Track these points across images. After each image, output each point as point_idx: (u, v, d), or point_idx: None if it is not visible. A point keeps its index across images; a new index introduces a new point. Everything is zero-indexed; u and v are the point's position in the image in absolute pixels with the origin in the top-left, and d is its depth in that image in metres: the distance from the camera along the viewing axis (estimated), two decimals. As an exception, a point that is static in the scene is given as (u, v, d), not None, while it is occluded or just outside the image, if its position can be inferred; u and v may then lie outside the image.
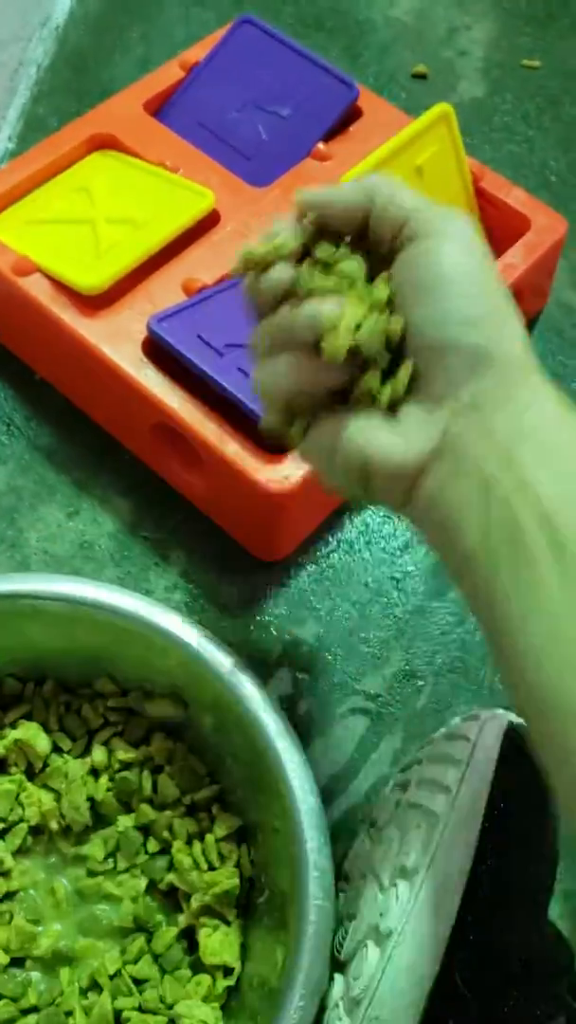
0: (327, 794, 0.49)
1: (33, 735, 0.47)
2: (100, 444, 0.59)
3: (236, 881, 0.44)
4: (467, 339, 0.35)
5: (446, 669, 0.54)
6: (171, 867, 0.45)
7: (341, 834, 0.48)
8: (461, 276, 0.36)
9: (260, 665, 0.53)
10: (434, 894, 0.38)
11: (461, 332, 0.35)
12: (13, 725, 0.47)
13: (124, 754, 0.47)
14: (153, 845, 0.46)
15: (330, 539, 0.57)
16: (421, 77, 0.76)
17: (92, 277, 0.54)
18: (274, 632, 0.54)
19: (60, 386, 0.60)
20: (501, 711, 0.44)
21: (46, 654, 0.48)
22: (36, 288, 0.55)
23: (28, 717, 0.48)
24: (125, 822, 0.46)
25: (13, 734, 0.46)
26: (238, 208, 0.59)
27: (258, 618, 0.55)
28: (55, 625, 0.46)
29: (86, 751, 0.48)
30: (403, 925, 0.37)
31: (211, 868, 0.45)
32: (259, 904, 0.44)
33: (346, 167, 0.61)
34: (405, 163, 0.58)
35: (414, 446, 0.35)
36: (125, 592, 0.46)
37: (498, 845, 0.39)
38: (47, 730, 0.48)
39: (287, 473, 0.51)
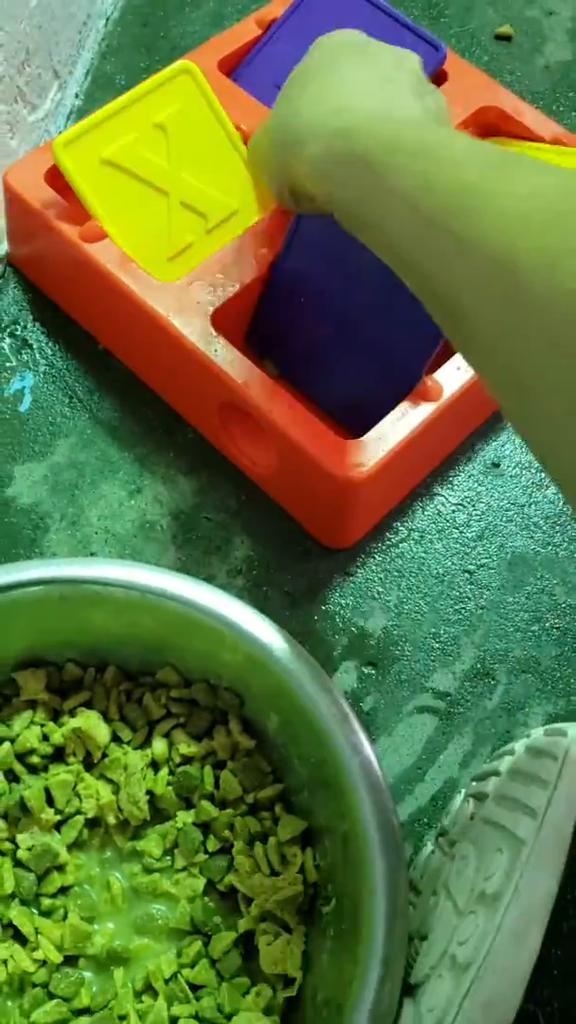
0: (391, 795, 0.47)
1: (93, 724, 0.45)
2: (164, 420, 0.56)
3: (300, 887, 0.42)
4: None
5: (520, 669, 0.52)
6: (231, 868, 0.44)
7: (405, 839, 0.46)
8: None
9: (324, 658, 0.51)
10: (517, 925, 0.36)
11: None
12: (72, 713, 0.46)
13: (186, 747, 0.45)
14: (213, 844, 0.44)
15: (400, 527, 0.55)
16: (505, 39, 0.72)
17: (163, 274, 0.53)
18: (340, 623, 0.52)
19: (125, 358, 0.58)
20: (587, 725, 0.42)
21: (108, 641, 0.46)
22: (104, 255, 0.52)
23: (88, 705, 0.46)
24: (184, 818, 0.45)
25: (72, 723, 0.45)
26: (316, 175, 0.56)
27: (323, 608, 0.52)
28: (119, 612, 0.44)
29: (146, 742, 0.46)
30: (483, 957, 0.35)
31: (274, 872, 0.43)
32: (324, 913, 0.42)
33: (432, 134, 0.58)
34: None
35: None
36: (193, 580, 0.44)
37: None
38: (107, 719, 0.46)
39: (361, 459, 0.49)
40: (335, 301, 0.53)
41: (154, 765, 0.45)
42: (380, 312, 0.51)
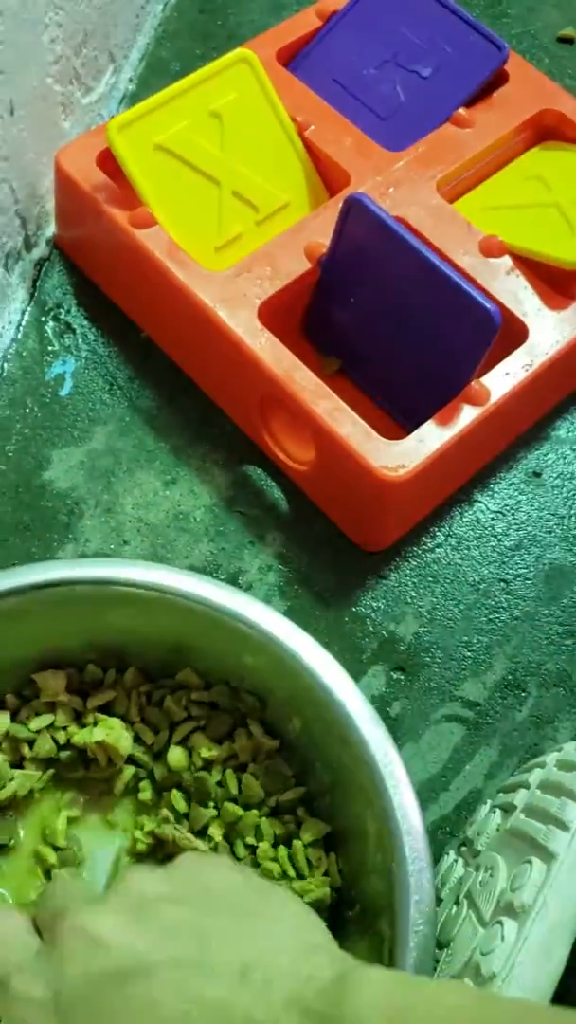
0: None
1: (116, 736, 0.44)
2: (203, 411, 0.56)
3: (328, 890, 0.42)
4: None
5: (551, 682, 0.51)
6: (257, 870, 0.43)
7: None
8: None
9: (353, 660, 0.51)
10: (543, 939, 0.35)
11: None
12: (96, 718, 0.45)
13: (207, 751, 0.44)
14: (240, 849, 0.44)
15: (436, 532, 0.54)
16: (567, 41, 0.71)
17: (211, 264, 0.53)
18: (370, 626, 0.51)
19: (167, 347, 0.57)
20: (622, 741, 0.41)
21: (129, 642, 0.45)
22: (153, 242, 0.52)
23: (110, 706, 0.46)
24: (215, 831, 0.44)
25: (96, 734, 0.44)
26: (369, 171, 0.56)
27: (354, 610, 0.52)
28: (140, 613, 0.43)
29: (167, 746, 0.45)
30: (508, 970, 0.35)
31: (300, 876, 0.42)
32: (349, 917, 0.42)
33: (489, 137, 0.57)
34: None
35: None
36: (216, 582, 0.43)
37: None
38: (128, 721, 0.45)
39: (403, 460, 0.48)
40: (383, 300, 0.52)
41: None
42: (427, 315, 0.51)
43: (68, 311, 0.58)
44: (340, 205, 0.52)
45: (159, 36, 0.68)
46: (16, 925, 0.33)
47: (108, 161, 0.54)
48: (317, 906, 0.41)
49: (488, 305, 0.47)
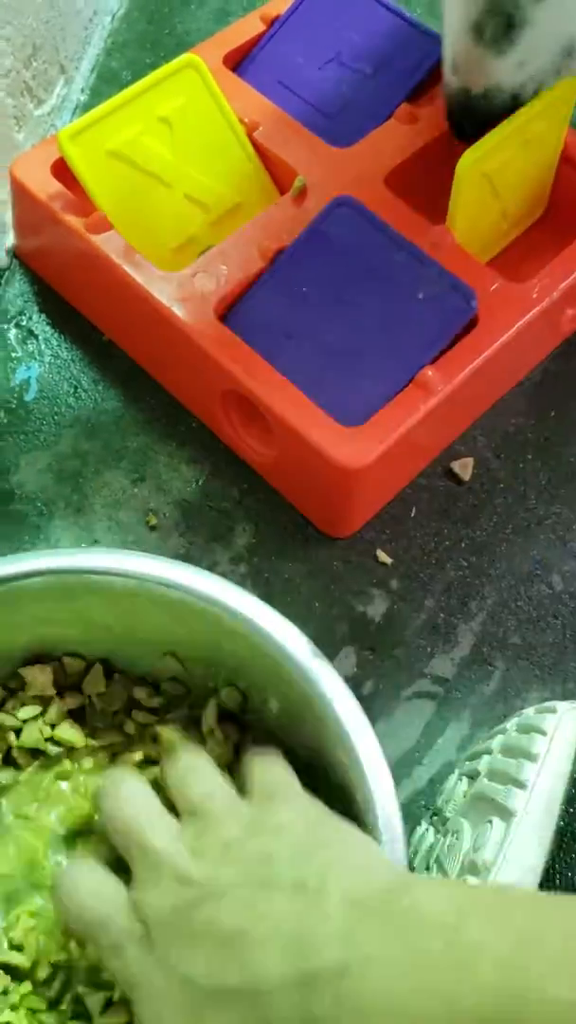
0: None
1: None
2: (167, 410, 0.57)
3: None
4: None
5: (517, 656, 0.53)
6: None
7: (403, 820, 0.46)
8: None
9: (325, 643, 0.52)
10: (506, 894, 0.36)
11: None
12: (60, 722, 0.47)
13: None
14: None
15: (400, 516, 0.55)
16: (509, 36, 0.73)
17: (167, 265, 0.54)
18: (340, 609, 0.53)
19: (128, 348, 0.59)
20: (579, 704, 0.43)
21: (110, 633, 0.46)
22: (109, 246, 0.53)
23: (81, 712, 0.47)
24: None
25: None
26: (318, 169, 0.57)
27: (324, 594, 0.53)
28: (119, 601, 0.44)
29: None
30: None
31: None
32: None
33: (433, 131, 0.59)
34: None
35: None
36: (190, 567, 0.44)
37: (573, 844, 0.38)
38: (110, 726, 0.47)
39: (362, 448, 0.50)
40: (342, 295, 0.53)
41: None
42: (392, 305, 0.52)
43: (30, 318, 0.59)
44: (291, 198, 0.54)
45: (108, 47, 0.69)
46: (103, 877, 0.37)
47: (62, 170, 0.55)
48: None
49: (470, 290, 0.51)
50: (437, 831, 0.44)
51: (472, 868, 0.38)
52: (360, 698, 0.50)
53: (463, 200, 0.53)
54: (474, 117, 0.52)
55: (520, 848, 0.37)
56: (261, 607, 0.44)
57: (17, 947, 0.42)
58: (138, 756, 0.46)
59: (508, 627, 0.53)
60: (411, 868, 0.44)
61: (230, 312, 0.53)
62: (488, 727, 0.51)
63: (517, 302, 0.54)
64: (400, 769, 0.50)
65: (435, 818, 0.46)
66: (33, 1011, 0.42)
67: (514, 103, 0.51)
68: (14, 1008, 0.41)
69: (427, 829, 0.45)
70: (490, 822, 0.39)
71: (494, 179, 0.54)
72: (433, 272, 0.53)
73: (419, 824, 0.47)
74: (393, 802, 0.40)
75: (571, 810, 0.38)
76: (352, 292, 0.53)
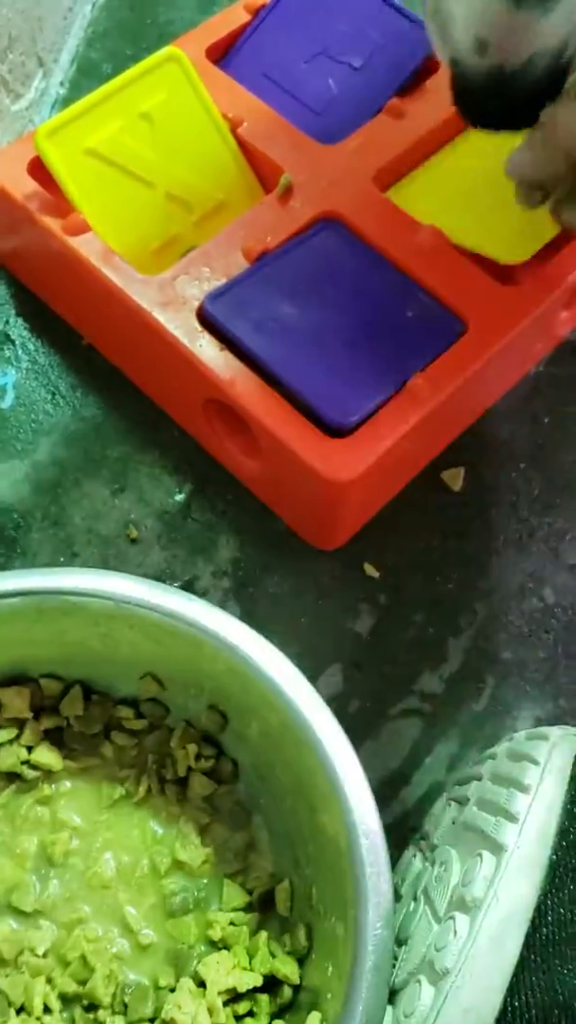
0: (375, 800, 0.46)
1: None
2: (149, 417, 0.55)
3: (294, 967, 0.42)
4: None
5: (508, 672, 0.51)
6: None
7: (391, 843, 0.45)
8: None
9: (310, 659, 0.51)
10: (495, 932, 0.35)
11: None
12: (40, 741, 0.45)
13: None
14: None
15: (388, 528, 0.54)
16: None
17: (148, 268, 0.52)
18: (326, 625, 0.51)
19: (109, 354, 0.57)
20: (573, 730, 0.41)
21: (87, 655, 0.45)
22: (88, 249, 0.52)
23: (58, 734, 0.46)
24: None
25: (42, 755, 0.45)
26: (304, 167, 0.55)
27: (309, 609, 0.52)
28: (96, 623, 0.43)
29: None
30: (461, 965, 0.35)
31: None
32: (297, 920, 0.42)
33: (423, 126, 0.57)
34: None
35: None
36: (169, 590, 0.43)
37: (566, 879, 0.37)
38: (88, 748, 0.45)
39: (350, 460, 0.48)
40: (330, 299, 0.52)
41: None
42: (375, 321, 0.51)
43: (7, 322, 0.57)
44: (277, 196, 0.52)
45: (88, 37, 0.67)
46: None
47: (40, 169, 0.53)
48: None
49: (458, 322, 0.50)
50: (425, 858, 0.43)
51: (461, 904, 0.37)
52: (346, 716, 0.49)
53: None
54: (511, 96, 0.44)
55: (511, 884, 0.36)
56: (244, 631, 0.42)
57: None
58: (118, 792, 0.45)
59: (499, 642, 0.52)
60: (398, 896, 0.43)
61: (211, 299, 0.51)
62: (478, 746, 0.50)
63: (510, 306, 0.53)
64: (387, 789, 0.49)
65: (422, 842, 0.45)
66: None
67: (557, 63, 0.43)
68: None
69: (414, 855, 0.44)
70: (480, 856, 0.37)
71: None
72: (421, 297, 0.52)
73: (407, 848, 0.46)
74: (377, 828, 0.39)
75: (564, 843, 0.37)
76: (340, 298, 0.52)
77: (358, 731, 0.49)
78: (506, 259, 0.54)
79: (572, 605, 0.53)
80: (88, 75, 0.65)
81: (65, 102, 0.64)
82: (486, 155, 0.57)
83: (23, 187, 0.53)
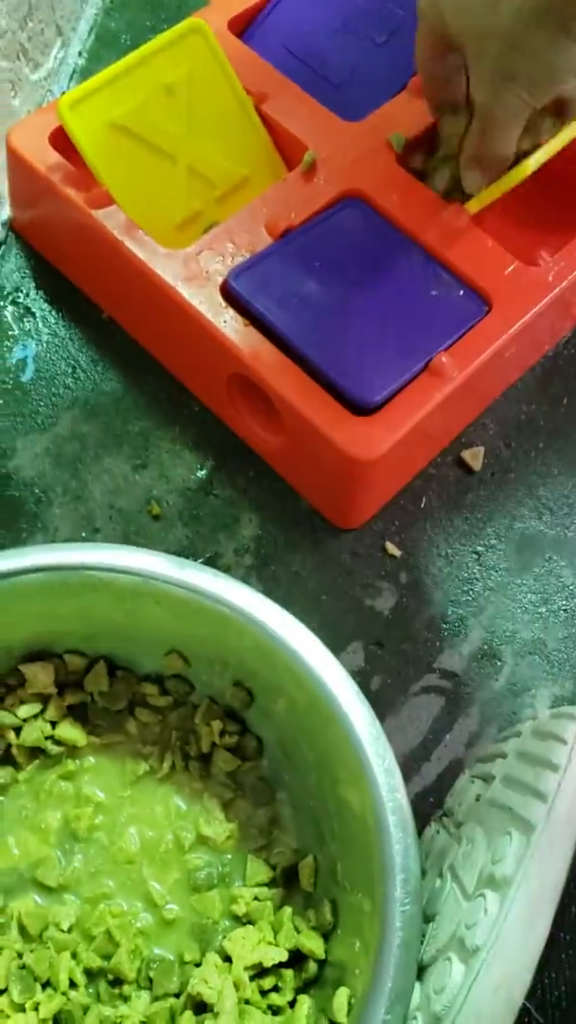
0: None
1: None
2: (170, 392, 0.55)
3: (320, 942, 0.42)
4: None
5: (526, 651, 0.51)
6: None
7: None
8: None
9: (332, 637, 0.50)
10: (526, 910, 0.35)
11: None
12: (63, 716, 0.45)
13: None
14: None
15: (409, 507, 0.54)
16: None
17: (171, 242, 0.52)
18: (347, 603, 0.52)
19: (130, 328, 0.56)
20: (598, 709, 0.41)
21: (112, 629, 0.45)
22: (111, 222, 0.51)
23: (82, 709, 0.46)
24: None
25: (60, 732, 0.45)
26: (328, 143, 0.55)
27: (331, 587, 0.52)
28: (122, 599, 0.43)
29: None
30: (492, 942, 0.35)
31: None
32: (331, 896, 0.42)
33: (448, 102, 0.56)
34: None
35: None
36: (196, 566, 0.43)
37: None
38: (112, 724, 0.46)
39: (373, 437, 0.48)
40: (354, 278, 0.51)
41: None
42: (403, 294, 0.51)
43: (27, 295, 0.57)
44: (300, 173, 0.52)
45: (107, 7, 0.66)
46: None
47: (61, 139, 0.52)
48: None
49: (481, 302, 0.50)
50: (449, 834, 0.43)
51: (491, 882, 0.37)
52: (367, 693, 0.49)
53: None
54: None
55: (540, 862, 0.36)
56: (269, 606, 0.42)
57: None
58: (142, 768, 0.45)
59: (518, 621, 0.52)
60: (423, 872, 0.43)
61: (235, 275, 0.51)
62: (497, 723, 0.50)
63: (532, 286, 0.53)
64: (408, 765, 0.49)
65: (446, 819, 0.45)
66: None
67: None
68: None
69: (437, 831, 0.44)
70: (509, 834, 0.37)
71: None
72: (444, 276, 0.51)
73: (428, 824, 0.46)
74: (405, 804, 0.39)
75: (592, 822, 0.37)
76: (364, 278, 0.51)
77: (379, 708, 0.49)
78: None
79: (592, 586, 0.53)
80: (107, 45, 0.65)
81: (84, 72, 0.63)
82: None
83: (46, 158, 0.53)
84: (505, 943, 0.35)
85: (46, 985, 0.41)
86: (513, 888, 0.36)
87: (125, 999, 0.41)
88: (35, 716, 0.45)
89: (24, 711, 0.45)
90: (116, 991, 0.42)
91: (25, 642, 0.45)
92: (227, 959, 0.42)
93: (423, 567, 0.52)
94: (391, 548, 0.53)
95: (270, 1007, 0.41)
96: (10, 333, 0.56)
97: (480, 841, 0.40)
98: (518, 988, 0.35)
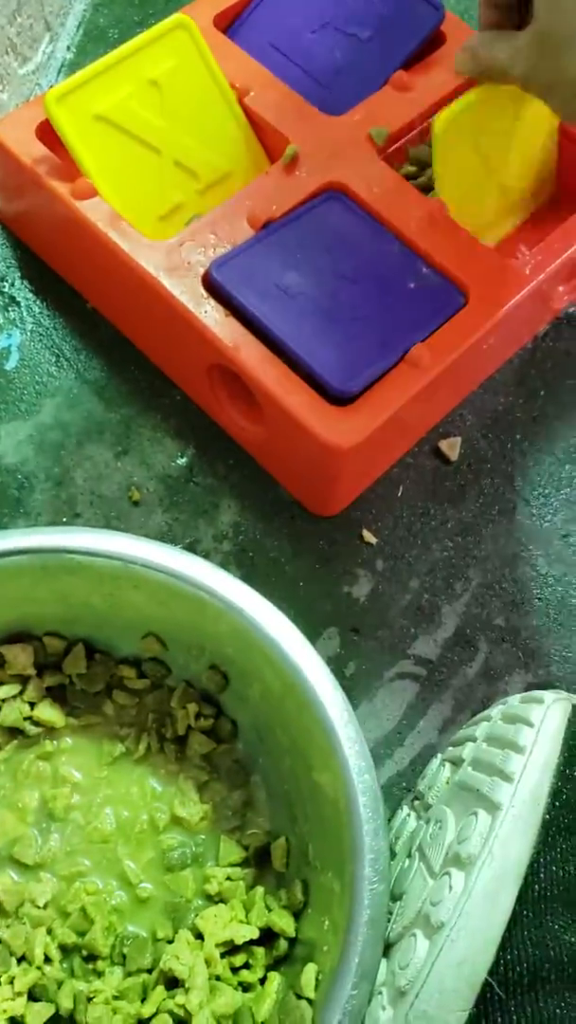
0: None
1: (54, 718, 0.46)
2: (152, 381, 0.56)
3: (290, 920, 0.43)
4: None
5: (500, 638, 0.52)
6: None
7: (384, 802, 0.46)
8: None
9: (309, 623, 0.51)
10: (490, 887, 0.36)
11: None
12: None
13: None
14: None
15: (387, 496, 0.55)
16: (506, 1, 0.71)
17: (154, 233, 0.52)
18: (324, 589, 0.52)
19: (113, 317, 0.57)
20: (565, 693, 0.42)
21: (91, 613, 0.46)
22: (95, 213, 0.52)
23: (61, 691, 0.46)
24: None
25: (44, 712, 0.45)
26: (310, 137, 0.55)
27: (308, 574, 0.53)
28: (101, 582, 0.44)
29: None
30: (456, 919, 0.36)
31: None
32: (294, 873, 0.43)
33: (428, 99, 0.57)
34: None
35: None
36: (174, 550, 0.43)
37: (558, 837, 0.38)
38: (90, 706, 0.46)
39: (350, 426, 0.49)
40: (334, 268, 0.52)
41: None
42: (378, 290, 0.51)
43: (12, 284, 0.58)
44: (282, 166, 0.52)
45: (95, 2, 0.67)
46: None
47: (48, 133, 0.53)
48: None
49: (459, 294, 0.50)
50: (419, 817, 0.44)
51: (456, 860, 0.38)
52: (342, 679, 0.50)
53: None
54: None
55: (505, 842, 0.37)
56: (247, 592, 0.43)
57: None
58: (118, 749, 0.46)
59: (492, 609, 0.53)
60: (392, 854, 0.44)
61: (216, 266, 0.51)
62: (471, 710, 0.51)
63: (510, 279, 0.53)
64: (381, 750, 0.50)
65: (416, 802, 0.46)
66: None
67: None
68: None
69: (408, 814, 0.45)
70: (475, 814, 0.38)
71: (481, 143, 0.53)
72: (423, 268, 0.52)
73: (400, 808, 0.47)
74: (375, 787, 0.40)
75: (556, 803, 0.38)
76: (344, 268, 0.52)
77: (354, 693, 0.50)
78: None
79: (564, 573, 0.54)
80: (95, 40, 0.65)
81: (72, 67, 0.64)
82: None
83: (32, 151, 0.53)
84: (469, 920, 0.36)
85: (21, 960, 0.42)
86: (478, 866, 0.37)
87: (99, 974, 0.42)
88: (14, 697, 0.46)
89: (3, 692, 0.45)
90: (90, 966, 0.43)
91: (5, 624, 0.46)
92: (199, 936, 0.42)
93: (399, 554, 0.53)
94: (368, 536, 0.53)
95: (240, 984, 0.42)
96: (-5, 322, 0.56)
97: (448, 822, 0.40)
98: (481, 963, 0.36)
